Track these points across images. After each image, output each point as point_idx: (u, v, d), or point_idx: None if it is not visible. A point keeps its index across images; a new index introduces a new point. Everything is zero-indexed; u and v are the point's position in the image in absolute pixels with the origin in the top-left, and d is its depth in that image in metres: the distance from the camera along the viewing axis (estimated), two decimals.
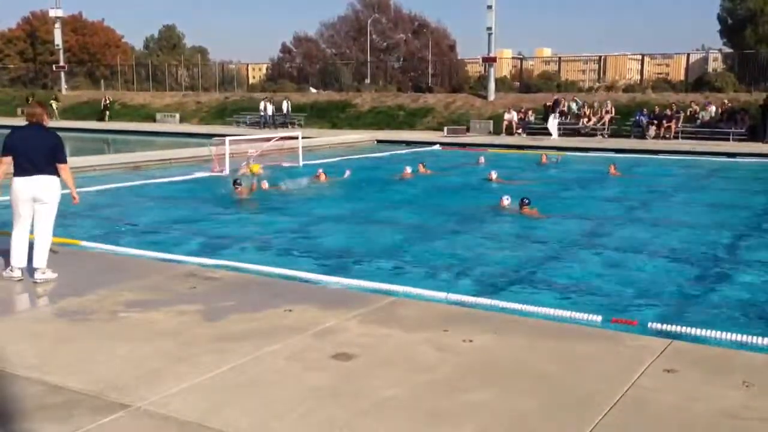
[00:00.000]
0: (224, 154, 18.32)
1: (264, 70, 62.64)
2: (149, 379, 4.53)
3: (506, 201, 12.30)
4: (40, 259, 6.80)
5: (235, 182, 14.55)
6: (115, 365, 4.77)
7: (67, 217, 12.01)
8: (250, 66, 56.24)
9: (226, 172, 17.88)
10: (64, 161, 6.85)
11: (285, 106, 35.22)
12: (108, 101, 41.44)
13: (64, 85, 48.43)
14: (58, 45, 47.73)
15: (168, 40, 73.66)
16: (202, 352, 4.98)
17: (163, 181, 16.61)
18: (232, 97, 42.11)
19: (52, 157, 6.73)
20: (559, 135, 28.64)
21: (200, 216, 12.37)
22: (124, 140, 32.38)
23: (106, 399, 4.23)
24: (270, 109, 34.75)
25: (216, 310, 5.94)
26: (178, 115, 39.47)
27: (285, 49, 67.67)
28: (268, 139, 21.80)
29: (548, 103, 30.12)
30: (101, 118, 40.25)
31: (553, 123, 28.70)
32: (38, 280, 6.73)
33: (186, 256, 8.70)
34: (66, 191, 7.03)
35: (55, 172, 6.75)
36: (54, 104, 40.33)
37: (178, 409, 4.09)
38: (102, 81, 52.73)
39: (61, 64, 48.11)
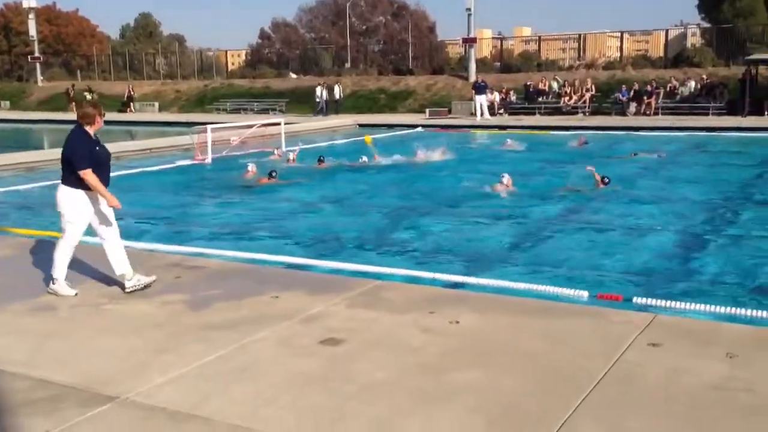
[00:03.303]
0: (206, 142, 18.20)
1: (243, 57, 62.11)
2: (136, 370, 4.51)
3: (506, 180, 12.32)
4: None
5: (270, 174, 14.24)
6: (101, 358, 4.74)
7: (45, 210, 11.93)
8: (228, 53, 55.67)
9: (209, 160, 17.77)
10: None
11: (337, 90, 34.14)
12: (132, 92, 39.67)
13: (39, 77, 47.73)
14: (32, 36, 46.97)
15: (144, 29, 72.80)
16: (189, 342, 4.97)
17: (143, 171, 16.48)
18: (211, 85, 41.75)
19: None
20: (491, 115, 28.50)
21: (183, 205, 12.29)
22: (105, 131, 32.00)
23: (94, 391, 4.21)
24: (325, 95, 33.32)
25: (202, 299, 5.92)
26: (157, 104, 39.09)
27: (263, 35, 67.09)
28: (250, 126, 21.67)
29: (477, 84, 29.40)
30: (124, 109, 38.70)
31: (480, 102, 28.33)
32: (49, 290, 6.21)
33: (170, 246, 8.65)
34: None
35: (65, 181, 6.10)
36: (88, 95, 39.29)
37: (167, 400, 4.09)
38: (78, 71, 52.04)
39: (36, 55, 47.41)
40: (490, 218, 10.49)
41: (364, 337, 5.02)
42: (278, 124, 21.72)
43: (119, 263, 6.14)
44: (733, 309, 5.91)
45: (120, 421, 3.88)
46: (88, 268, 7.00)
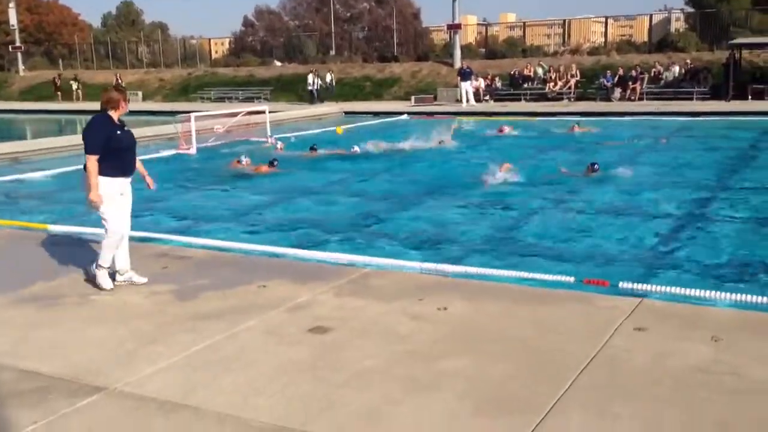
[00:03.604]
0: (190, 132, 18.07)
1: (227, 45, 61.68)
2: (124, 360, 4.50)
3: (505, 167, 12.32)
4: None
5: (272, 162, 14.26)
6: (89, 348, 4.72)
7: (30, 201, 11.83)
8: (212, 41, 55.24)
9: (194, 150, 17.65)
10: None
11: (329, 78, 33.93)
12: (120, 80, 38.67)
13: (21, 66, 47.22)
14: (13, 25, 46.46)
15: (126, 17, 72.12)
16: (177, 332, 4.95)
17: None
18: (195, 73, 41.46)
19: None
20: (477, 101, 28.60)
21: (169, 195, 12.22)
22: (86, 120, 31.76)
23: (82, 382, 4.20)
24: (317, 82, 33.02)
25: (189, 289, 5.90)
26: (140, 93, 38.74)
27: (247, 23, 66.58)
28: (235, 115, 21.54)
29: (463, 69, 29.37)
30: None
31: (465, 88, 28.42)
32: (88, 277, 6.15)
33: (157, 234, 8.60)
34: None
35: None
36: (74, 85, 38.89)
37: (156, 389, 4.08)
38: (60, 61, 51.48)
39: (17, 44, 46.86)
40: (480, 206, 10.50)
41: (353, 325, 5.02)
42: (263, 112, 21.60)
43: (120, 258, 6.06)
44: (718, 293, 5.97)
45: (109, 411, 3.87)
46: (74, 257, 6.96)
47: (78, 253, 7.28)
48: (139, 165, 6.23)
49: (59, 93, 39.17)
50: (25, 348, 4.77)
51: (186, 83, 39.80)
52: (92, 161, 5.71)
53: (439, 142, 17.30)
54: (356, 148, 16.55)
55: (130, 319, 5.25)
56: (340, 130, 17.92)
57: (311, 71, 33.80)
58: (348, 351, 4.57)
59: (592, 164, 12.51)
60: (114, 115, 5.91)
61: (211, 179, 13.69)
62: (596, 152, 15.12)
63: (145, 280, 6.08)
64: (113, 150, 5.77)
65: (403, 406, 3.82)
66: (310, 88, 32.97)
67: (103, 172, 5.77)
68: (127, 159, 5.95)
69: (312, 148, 16.44)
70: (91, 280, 6.05)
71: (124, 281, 6.05)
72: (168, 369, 4.37)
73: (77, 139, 20.41)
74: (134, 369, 4.36)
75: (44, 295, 5.87)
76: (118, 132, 5.87)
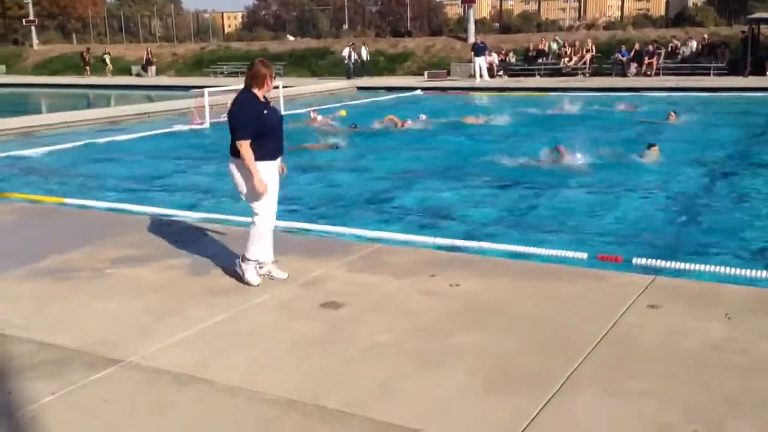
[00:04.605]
0: (204, 106, 18.07)
1: (239, 19, 61.43)
2: (139, 334, 4.55)
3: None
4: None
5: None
6: (103, 322, 4.77)
7: (47, 175, 11.91)
8: (225, 15, 55.04)
9: (207, 124, 17.67)
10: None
11: (364, 52, 32.99)
12: (151, 56, 38.70)
13: (35, 40, 47.23)
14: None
15: None
16: (192, 306, 4.99)
17: (142, 135, 16.39)
18: (208, 48, 41.32)
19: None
20: (491, 77, 28.30)
21: (181, 169, 12.27)
22: (102, 95, 31.86)
23: (98, 355, 4.25)
24: (354, 56, 32.16)
25: (203, 263, 5.93)
26: (154, 68, 38.70)
27: None
28: None
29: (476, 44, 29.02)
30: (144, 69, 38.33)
31: (479, 64, 28.10)
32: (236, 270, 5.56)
33: (170, 210, 8.65)
34: None
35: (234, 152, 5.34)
36: (107, 59, 38.71)
37: (170, 362, 4.12)
38: (74, 34, 51.47)
39: (31, 18, 46.83)
40: (499, 183, 10.43)
41: (365, 300, 5.04)
42: (276, 87, 21.49)
43: (269, 254, 5.57)
44: (733, 270, 5.93)
45: (125, 383, 3.92)
46: (89, 232, 7.01)
47: (92, 227, 7.34)
48: None
49: (88, 68, 39.06)
50: (40, 321, 4.82)
51: (199, 57, 39.69)
52: (246, 147, 5.14)
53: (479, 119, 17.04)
54: (409, 122, 16.40)
55: (144, 293, 5.30)
56: (343, 112, 18.11)
57: (349, 45, 33.01)
58: (360, 326, 4.60)
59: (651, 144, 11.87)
60: (259, 93, 5.31)
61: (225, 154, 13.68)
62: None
63: (285, 275, 5.54)
64: (262, 131, 5.21)
65: (414, 381, 3.84)
66: (346, 62, 32.08)
67: (256, 155, 5.21)
68: (277, 140, 5.39)
69: (352, 126, 16.16)
70: (235, 273, 5.53)
71: (264, 274, 5.52)
72: (182, 343, 4.41)
73: (86, 114, 20.51)
74: (149, 342, 4.40)
75: (58, 268, 5.92)
76: (266, 111, 5.30)
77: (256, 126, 5.18)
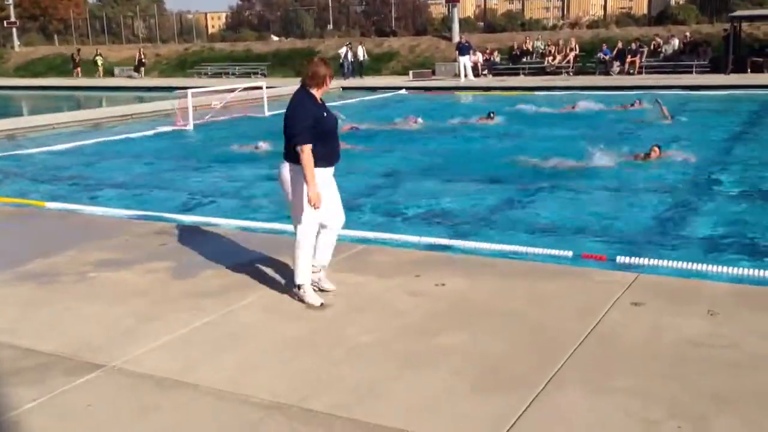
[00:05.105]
0: (187, 108, 17.99)
1: (223, 19, 61.21)
2: (122, 338, 4.51)
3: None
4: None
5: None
6: (86, 326, 4.73)
7: (28, 178, 11.80)
8: (208, 15, 54.84)
9: (190, 126, 17.58)
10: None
11: (360, 52, 32.53)
12: (143, 56, 38.37)
13: (16, 42, 46.83)
14: (8, 0, 45.97)
15: None
16: (176, 309, 4.96)
17: (125, 137, 16.29)
18: (192, 48, 41.14)
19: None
20: (475, 76, 28.23)
21: (165, 171, 12.20)
22: (85, 96, 31.62)
23: (80, 360, 4.21)
24: (350, 55, 31.68)
25: (187, 266, 5.90)
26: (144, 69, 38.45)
27: None
28: (232, 90, 21.43)
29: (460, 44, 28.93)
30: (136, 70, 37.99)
31: (464, 63, 28.06)
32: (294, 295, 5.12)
33: (154, 212, 8.60)
34: None
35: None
36: (99, 60, 38.25)
37: (154, 367, 4.09)
38: (56, 36, 51.05)
39: (12, 20, 46.41)
40: (484, 182, 10.45)
41: (351, 300, 5.03)
42: (260, 88, 21.48)
43: (323, 253, 5.18)
44: (715, 267, 5.97)
45: (108, 388, 3.88)
46: (72, 235, 6.95)
47: (75, 231, 7.28)
48: None
49: (78, 69, 38.54)
50: (23, 326, 4.77)
51: (183, 58, 39.51)
52: (308, 152, 4.70)
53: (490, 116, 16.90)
54: (420, 120, 16.42)
55: (128, 296, 5.26)
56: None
57: (346, 45, 32.68)
58: (346, 327, 4.59)
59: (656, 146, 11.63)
60: (317, 93, 4.95)
61: (207, 156, 13.63)
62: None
63: (333, 287, 5.20)
64: (320, 135, 4.80)
65: (400, 382, 3.84)
66: (342, 62, 31.47)
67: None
68: (334, 145, 4.96)
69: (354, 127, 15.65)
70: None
71: (313, 281, 5.14)
72: (166, 346, 4.39)
73: (69, 116, 20.33)
74: (133, 346, 4.37)
75: (41, 272, 5.86)
76: (325, 114, 4.92)
77: (313, 129, 4.78)
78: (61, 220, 8.17)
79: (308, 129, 4.75)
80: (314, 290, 5.07)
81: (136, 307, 5.04)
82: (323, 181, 4.87)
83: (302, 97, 4.92)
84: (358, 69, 32.08)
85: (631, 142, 12.98)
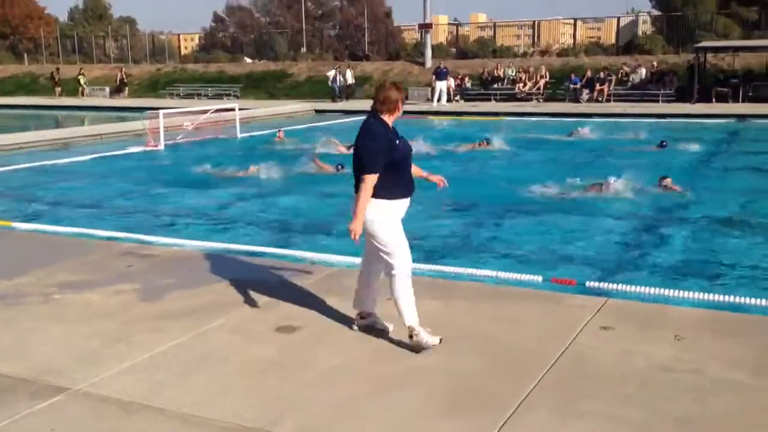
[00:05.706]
0: (158, 128, 17.87)
1: (196, 41, 61.12)
2: (88, 361, 4.42)
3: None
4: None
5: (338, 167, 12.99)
6: (51, 348, 4.63)
7: None
8: (181, 36, 54.67)
9: (161, 146, 17.46)
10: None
11: (349, 75, 32.59)
12: (125, 76, 37.85)
13: None
14: None
15: (94, 11, 70.82)
16: (142, 331, 4.89)
17: (94, 157, 16.10)
18: (164, 69, 40.99)
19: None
20: (447, 101, 28.55)
21: (134, 192, 12.07)
22: (51, 115, 31.26)
23: (44, 383, 4.12)
24: (339, 79, 31.55)
25: (155, 288, 5.83)
26: (108, 89, 38.15)
27: (217, 18, 66.09)
28: (204, 112, 21.35)
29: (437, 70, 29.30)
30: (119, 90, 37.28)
31: (440, 88, 28.43)
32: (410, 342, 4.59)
33: (122, 233, 8.49)
34: None
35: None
36: (81, 79, 37.49)
37: (119, 390, 4.02)
38: (26, 55, 50.52)
39: None
40: (451, 206, 10.50)
41: (321, 323, 5.00)
42: (233, 109, 21.44)
43: (369, 297, 4.92)
44: (682, 292, 6.07)
45: (71, 412, 3.80)
46: (38, 256, 6.83)
47: (41, 251, 7.15)
48: (416, 168, 4.89)
49: (58, 88, 37.77)
50: None
51: (155, 79, 39.33)
52: (372, 181, 4.43)
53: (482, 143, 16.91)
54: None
55: (94, 318, 5.17)
56: (282, 135, 18.57)
57: (335, 68, 32.63)
58: (316, 350, 4.55)
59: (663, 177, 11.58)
60: (389, 120, 4.61)
61: (177, 177, 13.53)
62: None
63: (391, 327, 4.81)
64: (394, 164, 4.51)
65: (371, 405, 3.81)
66: (331, 84, 31.56)
67: (380, 193, 4.47)
68: (409, 174, 4.69)
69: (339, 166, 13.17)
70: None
71: (366, 324, 4.89)
72: (132, 369, 4.31)
73: (37, 135, 20.06)
74: (98, 369, 4.29)
75: (5, 293, 5.74)
76: (398, 141, 4.59)
77: (387, 158, 4.47)
78: (27, 240, 8.03)
79: (382, 158, 4.45)
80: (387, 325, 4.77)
81: (101, 329, 4.95)
82: (399, 213, 4.61)
83: (375, 123, 4.59)
84: (345, 91, 32.18)
85: (609, 171, 13.11)
